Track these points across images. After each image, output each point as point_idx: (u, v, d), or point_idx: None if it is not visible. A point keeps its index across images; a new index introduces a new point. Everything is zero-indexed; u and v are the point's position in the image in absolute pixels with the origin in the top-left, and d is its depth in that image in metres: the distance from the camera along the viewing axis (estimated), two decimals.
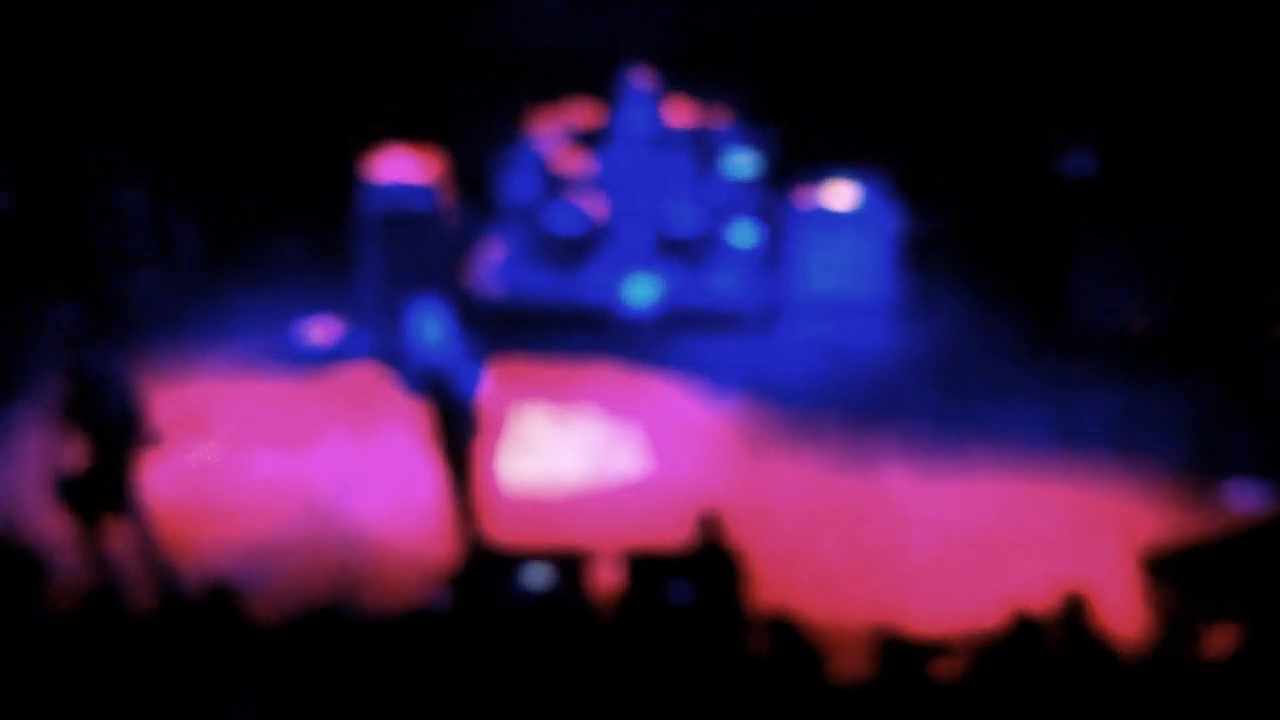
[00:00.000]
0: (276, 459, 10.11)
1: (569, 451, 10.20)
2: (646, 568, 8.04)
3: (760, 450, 10.21)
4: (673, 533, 8.63)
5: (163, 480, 9.58)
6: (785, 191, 11.82)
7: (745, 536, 8.37)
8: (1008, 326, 11.82)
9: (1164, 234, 11.28)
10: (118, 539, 8.41)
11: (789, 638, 6.57)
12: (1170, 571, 8.02)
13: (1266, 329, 10.29)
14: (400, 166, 11.63)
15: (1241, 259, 11.00)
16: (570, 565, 8.03)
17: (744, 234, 12.24)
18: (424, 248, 11.55)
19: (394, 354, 10.90)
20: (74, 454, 8.13)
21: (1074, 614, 6.86)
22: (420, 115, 13.34)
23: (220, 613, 6.89)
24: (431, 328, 8.36)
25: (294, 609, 7.37)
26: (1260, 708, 6.19)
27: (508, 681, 6.50)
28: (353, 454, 10.17)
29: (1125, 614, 8.05)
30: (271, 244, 13.78)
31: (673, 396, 10.95)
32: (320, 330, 12.06)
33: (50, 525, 8.90)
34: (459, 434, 8.56)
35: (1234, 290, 11.02)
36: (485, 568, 8.25)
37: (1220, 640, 6.76)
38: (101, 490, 8.20)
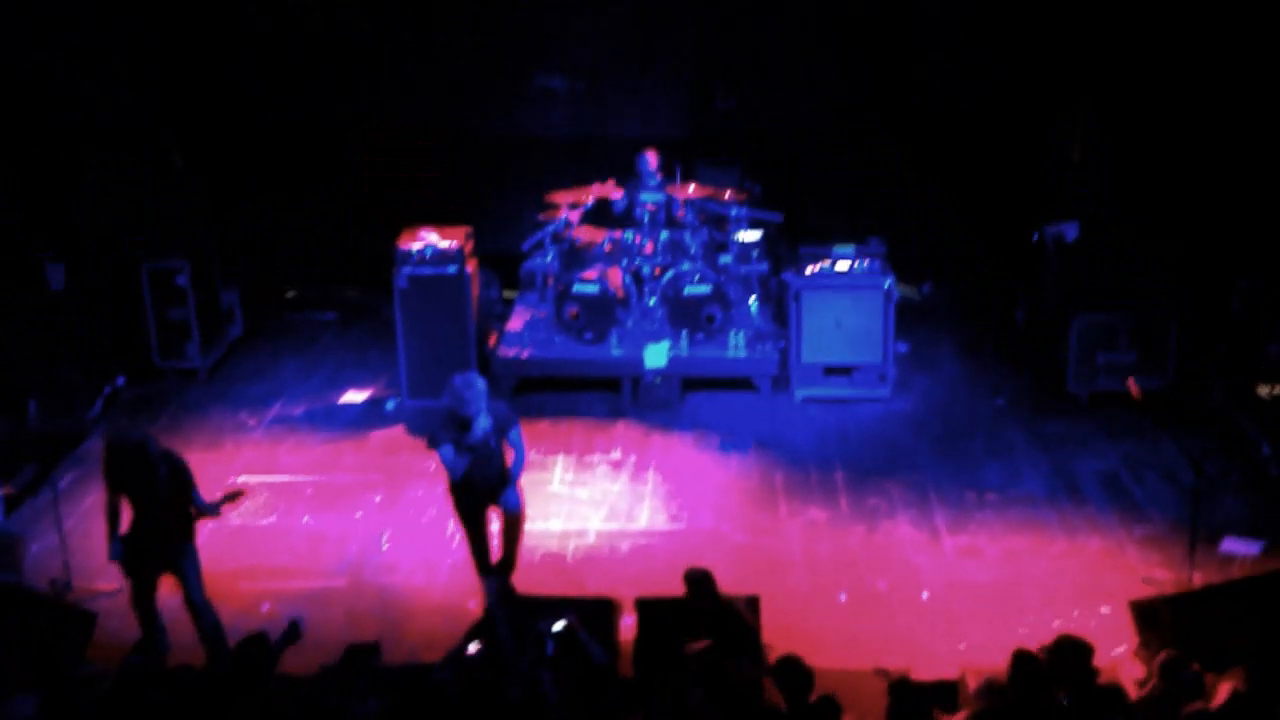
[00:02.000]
0: (316, 515, 9.97)
1: (591, 506, 10.04)
2: (660, 615, 7.88)
3: (772, 503, 10.04)
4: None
5: (210, 535, 9.48)
6: (790, 262, 11.76)
7: (759, 585, 8.24)
8: (1005, 388, 11.73)
9: (1156, 297, 11.20)
10: (170, 595, 8.25)
11: (801, 686, 6.38)
12: (1162, 621, 7.84)
13: (1255, 388, 10.17)
14: (430, 238, 11.58)
15: (1231, 320, 10.90)
16: (595, 614, 7.86)
17: (752, 302, 12.21)
18: (453, 310, 11.49)
19: (427, 417, 10.83)
20: (125, 516, 7.96)
21: (1075, 660, 6.66)
22: (448, 197, 13.43)
23: (256, 663, 6.72)
24: (478, 408, 8.13)
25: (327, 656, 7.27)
26: None
27: None
28: (388, 510, 10.02)
29: (1123, 661, 7.88)
30: (310, 313, 13.82)
31: (688, 454, 10.83)
32: (357, 394, 12.00)
33: (102, 583, 8.82)
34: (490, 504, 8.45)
35: (1225, 351, 10.91)
36: (512, 618, 8.09)
37: (1214, 688, 6.57)
38: (151, 549, 8.00)
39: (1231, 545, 9.07)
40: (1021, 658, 6.50)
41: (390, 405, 11.72)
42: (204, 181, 13.33)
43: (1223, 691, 6.40)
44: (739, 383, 11.77)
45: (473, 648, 7.16)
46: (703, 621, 7.25)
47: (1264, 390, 10.07)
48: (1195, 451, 9.26)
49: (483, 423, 8.07)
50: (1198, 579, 8.56)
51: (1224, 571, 8.71)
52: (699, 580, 7.46)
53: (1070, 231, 11.71)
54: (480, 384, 8.09)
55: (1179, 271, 11.31)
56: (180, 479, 7.97)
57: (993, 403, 11.49)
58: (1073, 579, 8.92)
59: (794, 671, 6.47)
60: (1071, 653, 6.63)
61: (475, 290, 11.75)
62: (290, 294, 14.20)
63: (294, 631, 7.19)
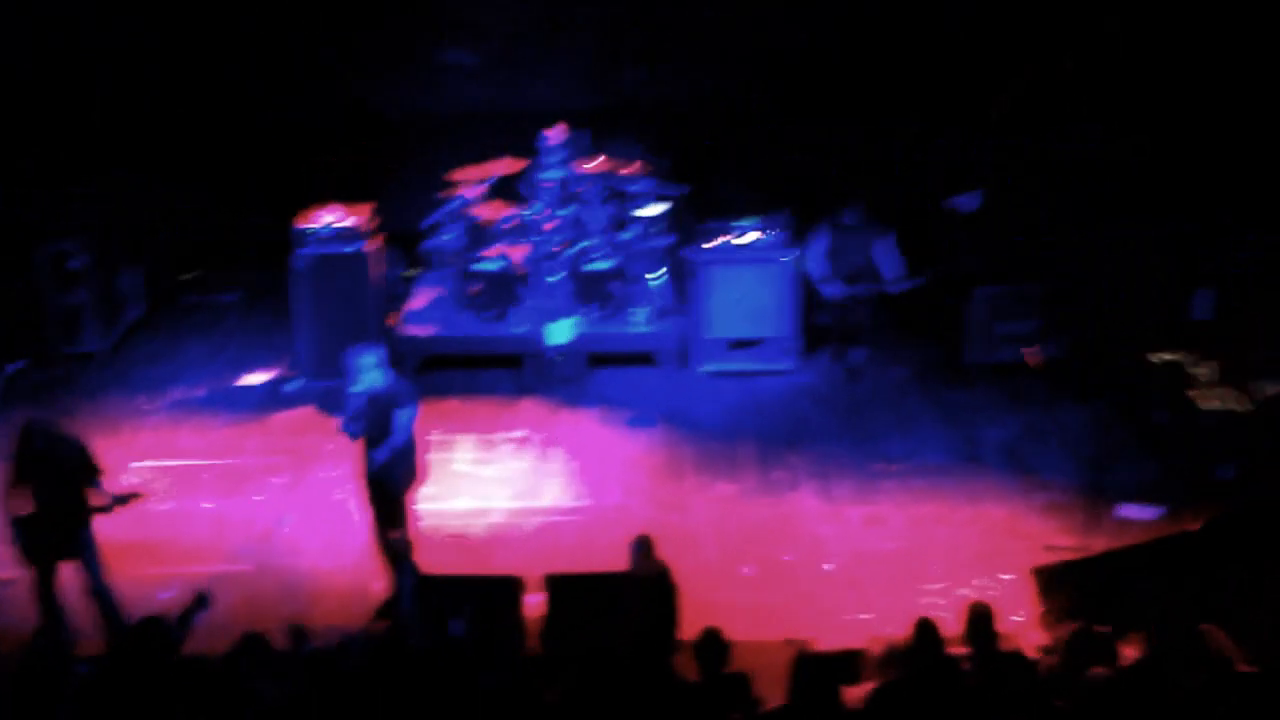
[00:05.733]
0: (219, 499, 9.71)
1: (497, 484, 9.87)
2: (570, 591, 7.75)
3: (678, 478, 9.94)
4: (599, 558, 8.37)
5: (109, 521, 9.14)
6: (693, 237, 11.63)
7: (667, 560, 8.11)
8: (908, 359, 11.71)
9: (1052, 269, 11.25)
10: (68, 581, 7.96)
11: (718, 659, 6.28)
12: (1064, 586, 7.87)
13: (1147, 355, 10.26)
14: (330, 216, 11.31)
15: (1125, 290, 10.99)
16: (501, 592, 7.71)
17: (656, 277, 12.08)
18: (353, 289, 11.27)
19: (331, 397, 10.56)
20: (24, 501, 7.70)
21: (979, 625, 6.62)
22: (350, 176, 13.12)
23: (154, 645, 6.47)
24: (369, 373, 7.99)
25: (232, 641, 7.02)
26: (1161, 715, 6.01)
27: (440, 707, 6.16)
28: (291, 492, 9.78)
29: (1025, 628, 7.88)
30: (212, 295, 13.46)
31: (594, 429, 10.70)
32: (259, 376, 11.69)
33: (2, 572, 8.48)
34: (394, 475, 8.17)
35: (1119, 320, 11.00)
36: (419, 599, 7.92)
37: (1122, 651, 6.58)
38: (52, 535, 7.79)
39: (1129, 511, 9.14)
40: (923, 626, 6.44)
41: (292, 386, 11.43)
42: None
43: (1125, 656, 6.40)
44: (644, 358, 11.66)
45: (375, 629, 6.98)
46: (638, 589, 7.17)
47: (1158, 358, 10.16)
48: (1093, 419, 9.34)
49: (357, 392, 7.94)
50: (1098, 544, 8.61)
51: (1124, 537, 8.75)
52: (644, 548, 7.39)
53: (970, 203, 11.73)
54: (359, 356, 7.98)
55: (1075, 244, 11.38)
56: (85, 466, 7.81)
57: (895, 373, 11.46)
58: (976, 547, 8.92)
59: (712, 645, 6.36)
60: (975, 619, 6.59)
61: (377, 269, 11.50)
62: (191, 275, 13.81)
63: (202, 601, 6.98)
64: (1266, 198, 10.95)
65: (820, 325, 11.44)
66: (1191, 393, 9.68)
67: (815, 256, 11.05)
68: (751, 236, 11.41)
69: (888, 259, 10.91)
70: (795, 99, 13.37)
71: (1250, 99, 11.32)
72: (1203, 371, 9.81)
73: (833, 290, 10.94)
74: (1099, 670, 6.16)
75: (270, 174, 13.57)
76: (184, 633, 6.86)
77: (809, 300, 11.36)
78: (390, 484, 8.13)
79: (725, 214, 11.60)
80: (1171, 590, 7.12)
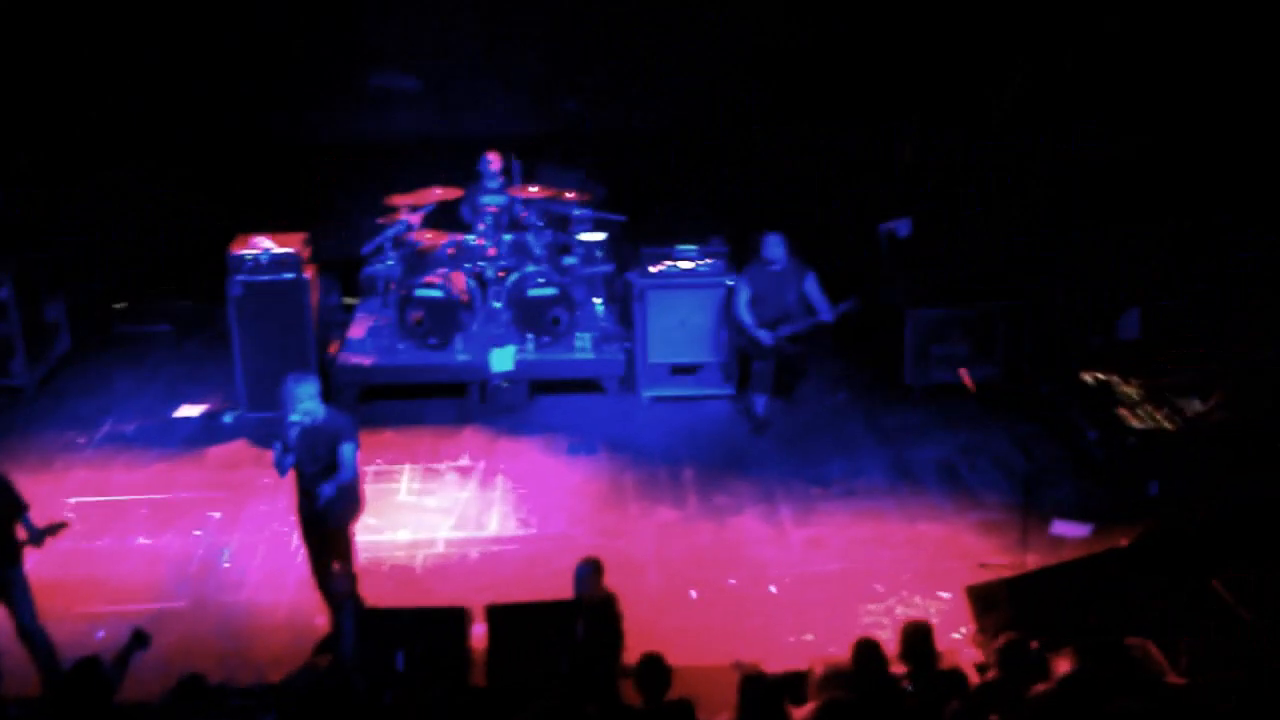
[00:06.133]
0: (154, 535, 9.62)
1: (440, 514, 9.87)
2: (514, 621, 7.83)
3: (622, 504, 10.01)
4: (544, 587, 8.43)
5: (41, 560, 9.09)
6: (634, 263, 11.76)
7: (611, 586, 8.21)
8: (845, 381, 11.89)
9: (985, 291, 11.46)
10: None
11: (660, 686, 6.38)
12: (998, 604, 8.02)
13: (1078, 375, 10.48)
14: (266, 243, 11.28)
15: (1055, 313, 11.23)
16: (445, 624, 7.76)
17: (598, 303, 12.20)
18: (290, 318, 11.19)
19: (268, 429, 10.53)
20: None
21: (916, 644, 6.77)
22: (286, 203, 13.10)
23: (91, 687, 6.45)
24: (305, 403, 8.00)
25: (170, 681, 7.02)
26: None
27: None
28: (229, 528, 9.72)
29: (963, 645, 8.06)
30: (143, 325, 13.36)
31: (538, 458, 10.74)
32: (193, 408, 11.64)
33: None
34: (334, 509, 8.19)
35: (1049, 341, 11.25)
36: (362, 632, 7.94)
37: (1054, 666, 6.74)
38: None
39: (1062, 528, 9.34)
40: (864, 646, 6.59)
41: (228, 418, 11.39)
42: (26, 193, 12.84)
43: (1057, 671, 6.57)
44: (587, 384, 11.72)
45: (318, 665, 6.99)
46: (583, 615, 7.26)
47: (1088, 378, 10.39)
48: (1026, 438, 9.52)
49: (294, 423, 7.90)
50: (1032, 562, 8.79)
51: (1057, 553, 8.93)
52: (590, 572, 7.44)
53: (902, 228, 11.94)
54: (297, 386, 7.93)
55: (1006, 266, 11.62)
56: (9, 502, 7.64)
57: (834, 398, 11.65)
58: (913, 566, 9.07)
59: (654, 671, 6.46)
60: (913, 637, 6.75)
61: (314, 297, 11.45)
62: (120, 306, 13.69)
63: (140, 639, 6.94)
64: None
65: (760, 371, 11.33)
66: (1121, 411, 9.92)
67: (742, 306, 11.09)
68: (691, 262, 11.54)
69: (815, 297, 10.94)
70: (741, 120, 13.58)
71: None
72: (1132, 391, 10.06)
73: (766, 336, 10.93)
74: (1038, 688, 6.34)
75: (204, 200, 13.55)
76: (121, 673, 6.82)
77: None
78: (331, 518, 8.10)
79: (666, 239, 11.71)
80: (1102, 605, 7.29)
